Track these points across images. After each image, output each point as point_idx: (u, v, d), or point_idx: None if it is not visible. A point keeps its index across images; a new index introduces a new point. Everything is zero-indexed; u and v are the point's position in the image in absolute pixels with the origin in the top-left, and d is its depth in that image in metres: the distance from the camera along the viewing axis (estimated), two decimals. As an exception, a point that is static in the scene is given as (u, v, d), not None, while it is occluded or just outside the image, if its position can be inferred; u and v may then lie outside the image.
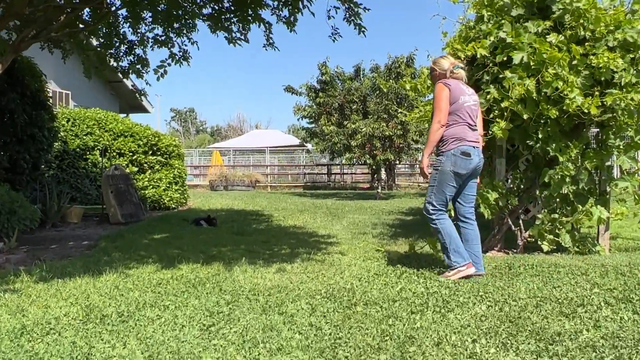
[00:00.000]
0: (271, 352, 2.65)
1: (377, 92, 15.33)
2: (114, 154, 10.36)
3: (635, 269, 4.46)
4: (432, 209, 4.37)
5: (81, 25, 6.82)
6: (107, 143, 10.30)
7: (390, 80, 14.89)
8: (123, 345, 2.76)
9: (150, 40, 6.93)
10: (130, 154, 10.49)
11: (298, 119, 17.37)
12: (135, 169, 10.47)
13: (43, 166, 8.84)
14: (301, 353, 2.63)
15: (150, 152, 10.77)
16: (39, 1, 5.81)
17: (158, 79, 6.52)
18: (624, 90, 4.83)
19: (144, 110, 18.64)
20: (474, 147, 4.30)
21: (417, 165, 4.91)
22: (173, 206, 10.96)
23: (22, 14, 6.02)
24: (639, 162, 5.41)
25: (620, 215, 5.41)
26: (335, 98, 15.82)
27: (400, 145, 15.46)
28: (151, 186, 10.60)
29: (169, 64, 6.72)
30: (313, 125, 17.11)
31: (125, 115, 16.18)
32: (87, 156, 10.39)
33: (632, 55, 4.94)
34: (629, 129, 5.07)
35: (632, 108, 4.84)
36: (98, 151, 10.28)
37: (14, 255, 5.47)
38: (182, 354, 2.62)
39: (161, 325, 3.07)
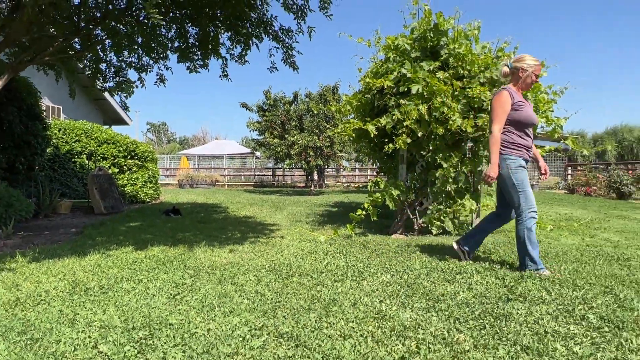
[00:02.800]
0: (225, 314, 2.60)
1: (311, 112, 15.43)
2: (99, 157, 9.88)
3: (498, 246, 4.69)
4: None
5: (71, 52, 6.42)
6: (93, 149, 9.80)
7: (320, 104, 15.04)
8: (103, 311, 2.63)
9: (131, 65, 6.63)
10: (112, 158, 10.05)
11: (250, 131, 17.19)
12: (117, 170, 10.04)
13: (37, 167, 8.29)
14: (248, 314, 2.59)
15: (129, 157, 10.35)
16: (35, 31, 5.44)
17: (126, 97, 6.24)
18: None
19: (123, 122, 17.80)
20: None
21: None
22: (148, 200, 10.57)
23: (20, 41, 5.62)
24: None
25: (485, 206, 5.67)
26: (278, 117, 15.78)
27: (329, 153, 15.60)
28: (129, 184, 10.19)
29: (143, 86, 6.46)
30: (261, 137, 16.97)
31: (108, 126, 15.45)
32: (76, 159, 9.83)
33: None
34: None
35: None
36: (85, 155, 9.77)
37: (10, 241, 5.10)
38: (152, 317, 2.52)
39: (135, 295, 2.95)
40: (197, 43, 6.22)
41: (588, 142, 35.47)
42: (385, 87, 5.29)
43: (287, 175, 24.45)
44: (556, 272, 3.51)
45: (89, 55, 6.55)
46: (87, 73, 6.88)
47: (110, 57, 6.72)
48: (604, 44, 77.70)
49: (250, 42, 5.98)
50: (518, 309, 2.65)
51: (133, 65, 6.49)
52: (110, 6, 5.62)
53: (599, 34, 78.88)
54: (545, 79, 5.82)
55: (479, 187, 5.68)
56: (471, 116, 5.06)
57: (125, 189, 10.05)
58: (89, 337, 2.27)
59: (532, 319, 2.49)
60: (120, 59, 6.62)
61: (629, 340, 2.21)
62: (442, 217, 5.53)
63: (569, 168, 18.85)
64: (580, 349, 2.13)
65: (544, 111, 5.28)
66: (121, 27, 5.71)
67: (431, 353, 2.09)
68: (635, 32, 72.71)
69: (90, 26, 5.67)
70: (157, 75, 6.76)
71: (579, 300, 2.82)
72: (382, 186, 5.56)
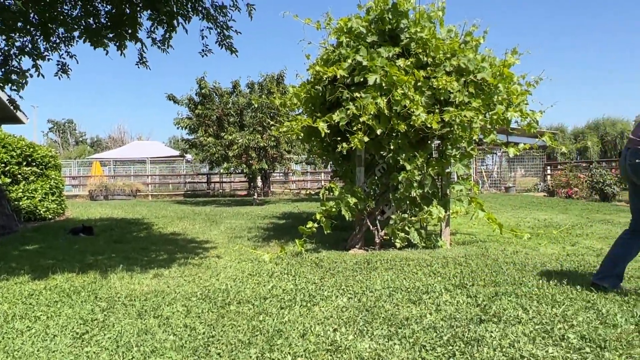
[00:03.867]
0: (145, 354, 2.52)
1: (252, 106, 15.32)
2: (-16, 165, 9.36)
3: (470, 260, 4.84)
4: None
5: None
6: (-24, 154, 9.28)
7: (263, 96, 14.98)
8: (-12, 359, 2.49)
9: (24, 51, 6.31)
10: (2, 165, 9.53)
11: (178, 128, 16.84)
12: (8, 180, 9.53)
13: None
14: (174, 353, 2.53)
15: (25, 163, 9.88)
16: None
17: (16, 90, 5.91)
18: (459, 108, 5.23)
19: (17, 121, 16.90)
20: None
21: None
22: (50, 216, 10.15)
23: None
24: (471, 169, 5.87)
25: (455, 213, 5.84)
26: (214, 111, 15.56)
27: (274, 155, 15.56)
28: (26, 197, 9.72)
29: (39, 74, 6.15)
30: (192, 136, 16.67)
31: (-4, 126, 14.67)
32: (-46, 168, 9.28)
33: (464, 79, 5.36)
34: (463, 141, 5.49)
35: (465, 123, 5.25)
36: (-34, 162, 9.23)
37: None
38: (52, 364, 2.41)
39: (31, 336, 2.81)
40: (109, 24, 6.04)
41: (568, 138, 37.43)
42: (338, 76, 5.34)
43: (225, 182, 24.19)
44: (534, 287, 3.66)
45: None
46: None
47: None
48: (585, 29, 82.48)
49: (175, 22, 5.88)
50: (491, 332, 2.74)
51: (26, 51, 6.19)
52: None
53: (578, 19, 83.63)
54: (518, 67, 6.09)
55: (447, 192, 5.84)
56: (437, 110, 5.20)
57: (20, 203, 9.59)
58: (-31, 392, 2.14)
59: (507, 342, 2.58)
60: (9, 42, 6.30)
61: (612, 362, 2.33)
62: (406, 228, 5.64)
63: (548, 167, 19.79)
64: (559, 374, 2.23)
65: (517, 104, 5.52)
66: (10, 1, 5.46)
67: (393, 389, 2.12)
68: (618, 16, 77.65)
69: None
70: (58, 64, 6.48)
71: (559, 318, 2.96)
72: (336, 193, 5.60)
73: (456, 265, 4.61)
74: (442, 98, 5.24)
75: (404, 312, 3.14)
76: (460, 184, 5.68)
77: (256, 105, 14.57)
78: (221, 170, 17.39)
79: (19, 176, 9.77)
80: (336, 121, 5.28)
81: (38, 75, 6.07)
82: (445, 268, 4.47)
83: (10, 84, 6.30)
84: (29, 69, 5.96)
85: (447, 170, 5.74)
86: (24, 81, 5.82)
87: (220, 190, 23.67)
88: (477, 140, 5.74)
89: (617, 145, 35.55)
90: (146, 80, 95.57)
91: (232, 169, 15.83)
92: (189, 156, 22.19)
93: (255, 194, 16.45)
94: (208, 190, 23.49)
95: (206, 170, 23.31)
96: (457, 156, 5.58)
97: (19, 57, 6.13)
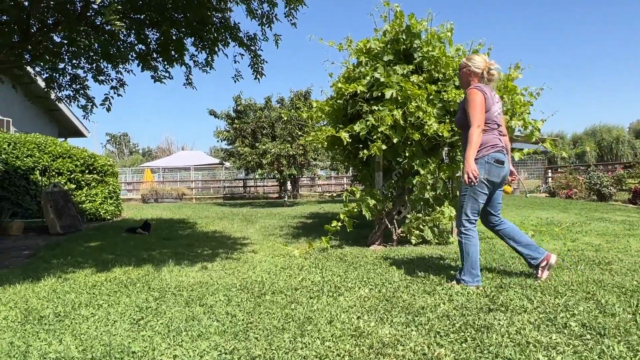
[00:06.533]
0: (192, 338, 2.56)
1: (283, 119, 15.42)
2: (54, 173, 9.60)
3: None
4: (464, 219, 3.58)
5: (20, 61, 6.24)
6: (47, 164, 9.52)
7: (292, 110, 15.08)
8: (59, 342, 2.56)
9: (89, 73, 6.46)
10: (69, 173, 9.79)
11: (218, 141, 17.06)
12: (74, 186, 9.78)
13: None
14: (218, 337, 2.56)
15: (87, 171, 10.13)
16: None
17: (108, 109, 6.03)
18: (467, 119, 5.16)
19: (80, 134, 17.38)
20: (504, 153, 3.58)
21: (463, 172, 3.71)
22: (109, 217, 10.37)
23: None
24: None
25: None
26: (249, 124, 15.72)
27: (302, 162, 15.62)
28: (88, 200, 9.97)
29: (112, 97, 6.29)
30: (230, 146, 16.86)
31: (63, 139, 15.08)
32: (28, 176, 9.54)
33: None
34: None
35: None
36: (38, 171, 9.47)
37: (-46, 267, 4.90)
38: (113, 346, 2.47)
39: (95, 322, 2.88)
40: (159, 49, 6.17)
41: (568, 144, 36.61)
42: (358, 92, 5.36)
43: (259, 186, 24.35)
44: (538, 280, 3.59)
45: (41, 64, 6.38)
46: (35, 82, 6.70)
47: (65, 65, 6.55)
48: (582, 39, 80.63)
49: (216, 47, 5.96)
50: (499, 320, 2.70)
51: (91, 71, 6.34)
52: (63, 12, 5.51)
53: (577, 28, 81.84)
54: (521, 80, 5.98)
55: (457, 194, 5.78)
56: (447, 120, 5.16)
57: (84, 206, 9.83)
58: (43, 370, 2.20)
59: (514, 330, 2.54)
60: (75, 64, 6.46)
61: (611, 347, 2.27)
62: (421, 226, 5.60)
63: (549, 171, 19.37)
64: (562, 358, 2.18)
65: (520, 113, 5.42)
66: (76, 35, 5.60)
67: (411, 370, 2.11)
68: (614, 26, 75.73)
69: (41, 34, 5.54)
70: (115, 79, 6.61)
71: (561, 307, 2.89)
72: (357, 195, 5.59)
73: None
74: (451, 109, 5.20)
75: (420, 302, 3.11)
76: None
77: (286, 118, 14.67)
78: (256, 176, 17.54)
79: (82, 182, 10.02)
80: (357, 131, 5.29)
81: (118, 95, 6.22)
82: (456, 262, 4.43)
83: (82, 110, 6.44)
84: (108, 92, 6.08)
85: (457, 174, 5.68)
86: (107, 103, 5.96)
87: (255, 193, 23.83)
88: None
89: (613, 149, 34.62)
90: (189, 96, 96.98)
91: (265, 174, 15.95)
92: (227, 164, 22.37)
93: (286, 196, 16.54)
94: (244, 193, 23.69)
95: (242, 176, 23.46)
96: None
97: (84, 78, 6.29)
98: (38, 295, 3.56)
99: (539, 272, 3.62)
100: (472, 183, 3.38)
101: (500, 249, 5.05)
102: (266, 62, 6.06)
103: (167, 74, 6.15)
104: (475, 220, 3.60)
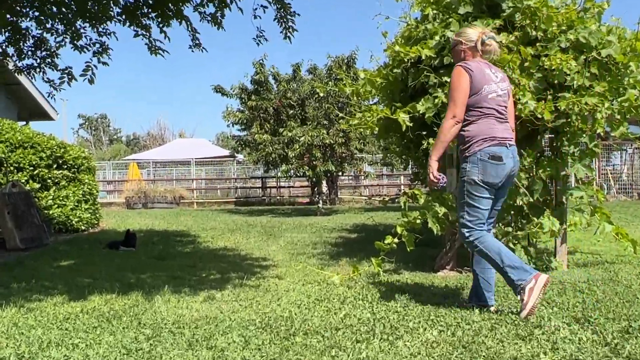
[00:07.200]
0: (198, 392, 2.61)
1: (317, 95, 15.32)
2: (11, 168, 9.93)
3: (594, 286, 4.67)
4: (467, 232, 3.88)
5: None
6: (3, 156, 9.86)
7: (330, 83, 14.97)
8: (23, 392, 2.65)
9: (65, 36, 6.66)
10: (31, 168, 10.07)
11: (228, 125, 17.19)
12: (38, 186, 10.07)
13: None
14: (233, 392, 2.60)
15: (55, 166, 10.41)
16: None
17: (91, 81, 6.21)
18: (578, 93, 5.07)
19: (47, 117, 17.98)
20: (507, 145, 3.79)
21: (428, 173, 4.15)
22: (83, 228, 10.65)
23: None
24: (594, 171, 5.66)
25: (573, 226, 5.63)
26: (270, 101, 15.73)
27: (343, 154, 15.59)
28: (57, 205, 10.24)
29: (95, 65, 6.46)
30: (245, 132, 16.98)
31: (24, 123, 15.53)
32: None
33: (584, 57, 5.19)
34: (584, 135, 5.30)
35: (586, 113, 5.08)
36: (-8, 165, 9.84)
37: None
38: (94, 400, 2.55)
39: (69, 367, 2.97)
40: (150, 1, 6.30)
41: None
42: (423, 57, 5.33)
43: (284, 187, 24.58)
44: None
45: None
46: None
47: (26, 26, 6.76)
48: None
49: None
50: (626, 378, 2.64)
51: (68, 34, 6.51)
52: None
53: None
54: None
55: (563, 200, 5.67)
56: (549, 97, 5.07)
57: (51, 212, 10.10)
58: None
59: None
60: (42, 22, 6.63)
61: None
62: (510, 244, 5.52)
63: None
64: None
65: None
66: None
67: None
68: None
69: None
70: (96, 42, 6.74)
71: None
72: (421, 201, 5.56)
73: (576, 292, 4.46)
74: (555, 81, 5.10)
75: (511, 351, 3.07)
76: (580, 189, 5.48)
77: (322, 95, 14.56)
78: (279, 174, 17.62)
79: (49, 181, 10.29)
80: (421, 112, 5.26)
81: (94, 56, 6.39)
82: (562, 296, 4.35)
83: (52, 86, 6.65)
84: (90, 60, 6.27)
85: (563, 173, 5.57)
86: (90, 73, 6.14)
87: (278, 197, 24.04)
88: (601, 134, 5.53)
89: None
90: (189, 67, 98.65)
91: (292, 171, 15.96)
92: (240, 156, 22.69)
93: (320, 201, 16.56)
94: (263, 197, 23.92)
95: (261, 173, 23.69)
96: (576, 154, 5.41)
97: (60, 46, 6.47)
98: (-5, 330, 3.70)
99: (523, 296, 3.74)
100: (434, 188, 3.76)
101: (626, 279, 4.92)
102: (298, 14, 6.11)
103: (163, 38, 6.27)
104: (482, 229, 3.87)
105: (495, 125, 3.78)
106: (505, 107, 3.89)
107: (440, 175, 3.89)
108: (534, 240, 5.64)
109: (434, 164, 3.84)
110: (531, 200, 5.43)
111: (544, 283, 3.65)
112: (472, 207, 3.81)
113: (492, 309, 3.98)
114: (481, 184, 3.75)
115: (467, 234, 3.87)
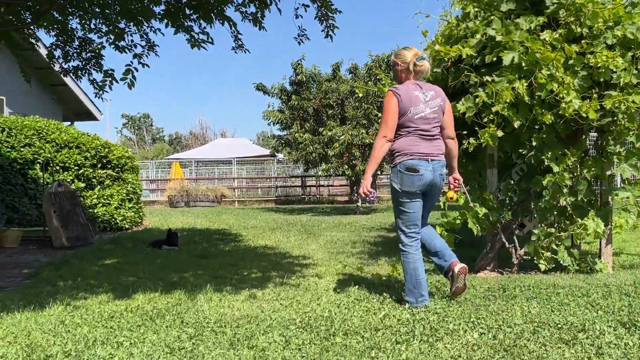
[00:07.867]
0: (239, 392, 2.63)
1: (356, 95, 15.38)
2: (57, 168, 10.15)
3: (637, 285, 4.55)
4: (400, 234, 4.33)
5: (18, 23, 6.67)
6: (49, 156, 10.08)
7: (369, 83, 14.98)
8: (70, 388, 2.71)
9: (107, 36, 6.76)
10: (76, 167, 10.30)
11: (269, 124, 17.31)
12: (82, 185, 10.29)
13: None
14: (273, 392, 2.61)
15: (100, 165, 10.63)
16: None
17: (131, 84, 6.24)
18: (624, 92, 4.95)
19: (91, 117, 18.35)
20: (428, 160, 4.13)
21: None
22: (127, 226, 10.85)
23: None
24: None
25: (619, 227, 5.50)
26: (310, 102, 15.83)
27: (382, 154, 15.55)
28: (101, 204, 10.46)
29: (136, 68, 6.51)
30: (285, 132, 17.09)
31: (69, 123, 15.84)
32: (26, 171, 10.16)
33: (632, 54, 5.06)
34: (630, 134, 5.17)
35: (634, 111, 4.95)
36: (38, 165, 10.04)
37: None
38: (137, 397, 2.58)
39: (114, 364, 3.03)
40: (192, 2, 6.36)
41: None
42: (464, 56, 5.27)
43: (323, 185, 24.61)
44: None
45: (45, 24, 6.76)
46: (34, 49, 7.02)
47: (73, 27, 6.89)
48: None
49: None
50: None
51: (110, 34, 6.61)
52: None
53: None
54: None
55: (609, 200, 5.55)
56: (595, 95, 4.96)
57: (96, 210, 10.30)
58: None
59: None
60: (86, 24, 6.73)
61: None
62: (553, 245, 5.43)
63: None
64: None
65: None
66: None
67: None
68: None
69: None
70: (142, 42, 6.81)
71: None
72: (461, 201, 5.51)
73: (622, 295, 4.35)
74: (601, 79, 4.99)
75: (554, 355, 3.02)
76: (626, 189, 5.35)
77: (361, 95, 14.61)
78: (318, 173, 17.68)
79: (94, 180, 10.51)
80: (461, 112, 5.21)
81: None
82: (607, 299, 4.24)
83: (96, 87, 6.77)
84: (130, 62, 6.35)
85: (609, 173, 5.45)
86: (130, 76, 6.19)
87: (317, 196, 24.08)
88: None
89: None
90: (230, 68, 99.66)
91: (331, 170, 16.00)
92: (280, 156, 22.80)
93: (360, 200, 16.55)
94: (302, 195, 24.02)
95: (301, 172, 23.79)
96: (623, 154, 5.28)
97: (101, 47, 6.59)
98: (42, 327, 3.80)
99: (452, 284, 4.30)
100: (367, 200, 4.30)
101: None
102: (340, 11, 6.09)
103: (205, 37, 6.31)
104: (414, 233, 4.29)
105: (418, 142, 4.14)
106: (436, 124, 4.22)
107: (370, 190, 4.23)
108: (578, 241, 5.52)
109: (368, 179, 4.20)
110: (575, 200, 5.33)
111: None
112: (401, 211, 4.27)
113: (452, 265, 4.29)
114: (401, 191, 4.18)
115: (402, 239, 4.31)
